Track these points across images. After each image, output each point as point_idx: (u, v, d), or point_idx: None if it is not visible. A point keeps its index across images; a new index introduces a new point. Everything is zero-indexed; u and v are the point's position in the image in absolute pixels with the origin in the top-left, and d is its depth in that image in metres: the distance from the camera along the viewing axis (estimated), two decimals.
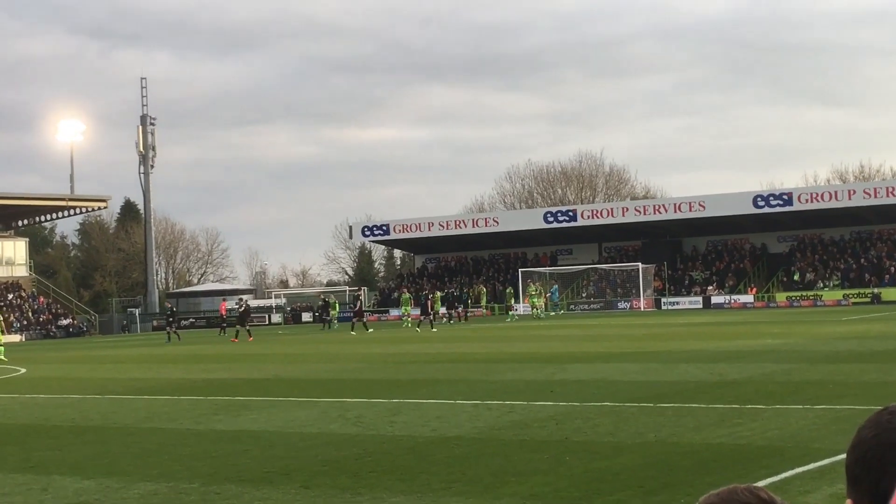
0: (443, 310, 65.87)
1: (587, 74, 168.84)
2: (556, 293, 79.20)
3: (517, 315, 69.03)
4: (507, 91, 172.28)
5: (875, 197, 74.15)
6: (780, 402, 17.11)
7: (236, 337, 51.61)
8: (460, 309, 70.54)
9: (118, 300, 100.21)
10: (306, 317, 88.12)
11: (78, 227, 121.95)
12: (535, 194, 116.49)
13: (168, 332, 56.81)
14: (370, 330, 57.81)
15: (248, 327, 53.30)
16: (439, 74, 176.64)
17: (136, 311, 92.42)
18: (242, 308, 55.23)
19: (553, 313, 74.11)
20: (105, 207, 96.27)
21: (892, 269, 74.16)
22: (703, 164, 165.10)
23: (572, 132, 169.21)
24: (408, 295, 71.35)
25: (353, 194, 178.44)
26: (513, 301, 71.31)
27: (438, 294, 68.65)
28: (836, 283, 75.37)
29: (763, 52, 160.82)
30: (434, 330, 55.66)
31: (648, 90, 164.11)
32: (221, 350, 43.21)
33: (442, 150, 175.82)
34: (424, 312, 60.50)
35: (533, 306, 68.83)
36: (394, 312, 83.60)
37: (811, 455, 12.08)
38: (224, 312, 68.84)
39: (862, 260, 76.67)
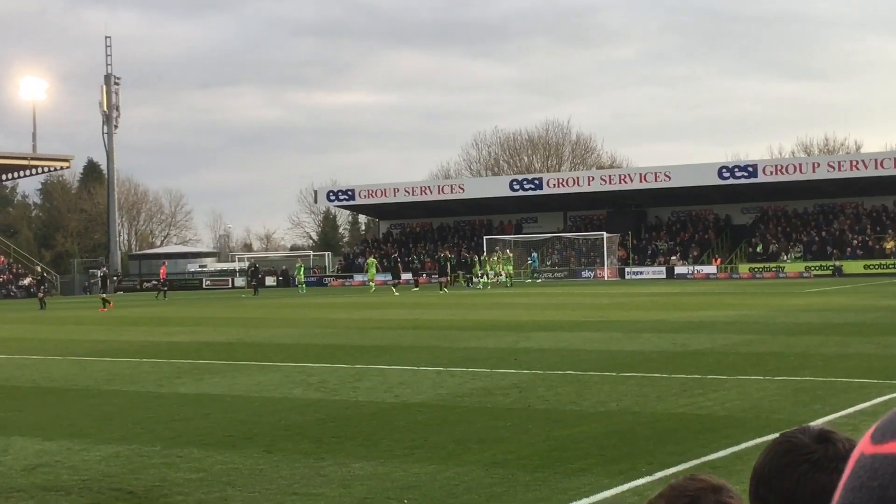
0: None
1: (557, 42, 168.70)
2: (536, 260, 79.41)
3: (483, 283, 68.70)
4: (475, 58, 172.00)
5: (839, 170, 74.60)
6: (741, 373, 17.25)
7: (104, 306, 49.38)
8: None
9: (80, 261, 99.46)
10: (270, 281, 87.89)
11: (40, 186, 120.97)
12: (501, 161, 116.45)
13: (39, 299, 54.33)
14: (396, 293, 58.96)
15: (104, 295, 50.49)
16: (408, 39, 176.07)
17: (98, 273, 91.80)
18: (102, 276, 52.69)
19: (530, 280, 75.15)
20: (67, 167, 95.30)
21: (854, 242, 74.75)
22: (669, 134, 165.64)
23: (540, 100, 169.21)
24: (374, 260, 71.35)
25: (319, 159, 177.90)
26: (487, 268, 71.51)
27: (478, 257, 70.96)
28: (799, 255, 75.90)
29: (732, 23, 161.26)
30: (445, 291, 58.96)
31: (617, 59, 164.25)
32: (184, 313, 43.05)
33: (409, 115, 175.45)
34: (443, 274, 64.04)
35: (507, 274, 68.78)
36: (357, 278, 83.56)
37: (771, 425, 12.18)
38: (164, 276, 70.69)
39: (824, 233, 77.24)
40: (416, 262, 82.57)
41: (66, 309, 51.68)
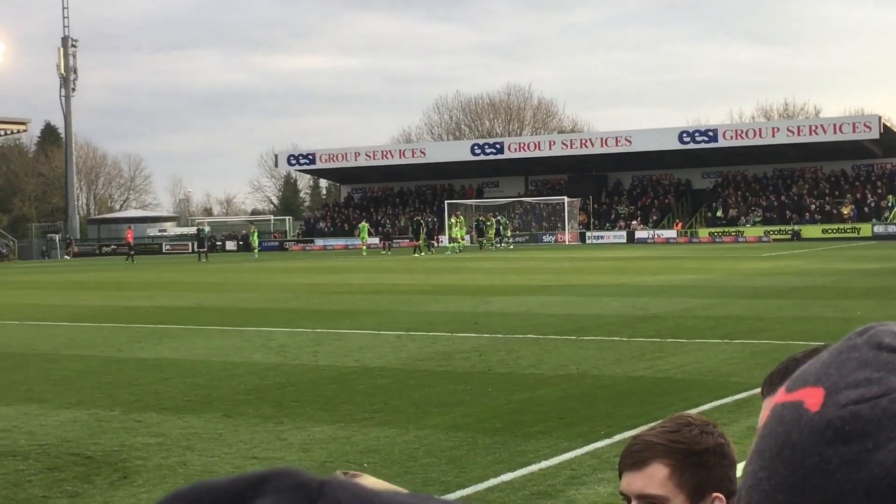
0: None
1: (519, 6, 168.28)
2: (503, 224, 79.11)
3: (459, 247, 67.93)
4: (438, 21, 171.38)
5: (798, 135, 74.98)
6: (699, 337, 17.37)
7: None
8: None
9: (38, 225, 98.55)
10: (230, 245, 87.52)
11: None
12: (462, 126, 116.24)
13: None
14: (421, 254, 59.83)
15: None
16: (370, 3, 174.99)
17: (57, 237, 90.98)
18: None
19: (503, 246, 73.89)
20: (24, 130, 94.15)
21: (813, 206, 75.31)
22: (630, 99, 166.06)
23: (502, 64, 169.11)
24: (365, 224, 70.98)
25: (280, 123, 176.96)
26: (460, 232, 70.84)
27: (494, 219, 72.56)
28: (758, 219, 76.39)
29: None
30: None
31: (580, 23, 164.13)
32: (143, 277, 42.80)
33: (371, 79, 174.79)
34: (431, 237, 66.90)
35: (454, 240, 68.31)
36: (319, 242, 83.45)
37: (729, 388, 12.29)
38: (131, 240, 70.35)
39: (783, 197, 77.75)
40: (388, 226, 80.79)
41: (24, 273, 51.26)
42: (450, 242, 67.89)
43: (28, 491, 8.71)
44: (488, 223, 71.95)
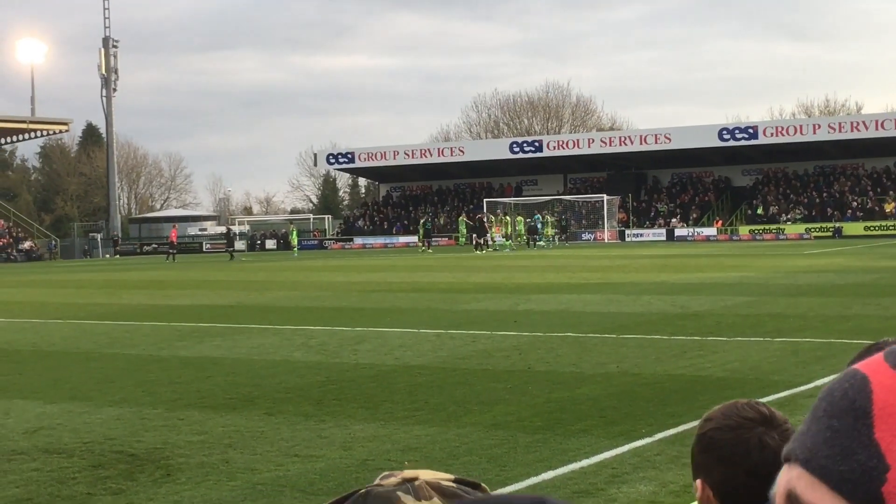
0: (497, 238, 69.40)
1: (557, 4, 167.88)
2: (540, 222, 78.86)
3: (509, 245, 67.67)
4: (476, 20, 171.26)
5: (839, 132, 74.40)
6: (741, 335, 17.25)
7: None
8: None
9: (80, 225, 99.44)
10: (270, 244, 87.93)
11: (39, 150, 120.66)
12: (501, 124, 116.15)
13: None
14: (482, 251, 59.90)
15: None
16: (408, 2, 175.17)
17: (98, 236, 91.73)
18: None
19: (543, 244, 72.30)
20: (66, 131, 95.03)
21: (854, 203, 74.68)
22: (669, 96, 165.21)
23: (540, 62, 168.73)
24: (463, 218, 71.26)
25: (320, 122, 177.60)
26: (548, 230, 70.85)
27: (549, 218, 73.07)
28: (799, 216, 75.85)
29: None
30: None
31: (618, 21, 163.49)
32: (184, 276, 43.06)
33: (409, 78, 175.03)
34: (481, 235, 66.76)
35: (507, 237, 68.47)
36: (358, 241, 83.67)
37: (771, 387, 12.21)
38: (174, 239, 70.42)
39: (825, 194, 77.15)
40: (429, 224, 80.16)
41: (67, 272, 51.70)
42: (506, 240, 67.79)
43: (73, 488, 8.79)
44: (544, 220, 71.63)
